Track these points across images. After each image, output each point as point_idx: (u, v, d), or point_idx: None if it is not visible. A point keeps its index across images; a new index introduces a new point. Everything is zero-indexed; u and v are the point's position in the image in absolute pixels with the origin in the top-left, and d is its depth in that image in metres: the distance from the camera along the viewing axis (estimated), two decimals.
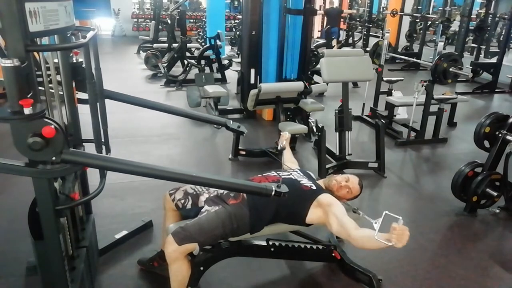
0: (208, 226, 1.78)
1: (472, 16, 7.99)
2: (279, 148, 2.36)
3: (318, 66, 4.94)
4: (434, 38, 9.50)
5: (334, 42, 9.39)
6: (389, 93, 5.02)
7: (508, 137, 2.79)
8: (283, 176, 2.00)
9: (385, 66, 5.27)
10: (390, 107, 4.75)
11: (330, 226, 1.78)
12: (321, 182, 2.10)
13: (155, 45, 8.53)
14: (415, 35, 10.02)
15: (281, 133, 2.46)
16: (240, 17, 10.62)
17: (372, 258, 2.35)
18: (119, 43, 11.80)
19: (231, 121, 2.30)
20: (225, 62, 7.25)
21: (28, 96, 1.18)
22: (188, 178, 1.52)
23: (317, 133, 3.44)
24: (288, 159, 2.36)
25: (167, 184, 1.76)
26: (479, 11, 8.70)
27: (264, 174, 2.08)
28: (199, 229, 1.75)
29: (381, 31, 11.17)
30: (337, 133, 3.57)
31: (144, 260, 2.21)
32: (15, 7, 1.10)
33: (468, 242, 2.64)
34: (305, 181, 1.97)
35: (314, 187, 1.94)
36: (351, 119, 3.55)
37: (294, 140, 4.02)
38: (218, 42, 6.81)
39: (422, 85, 4.20)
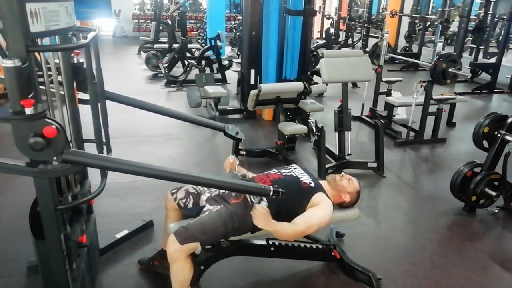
0: (210, 225, 1.79)
1: (471, 17, 7.99)
2: (232, 177, 2.05)
3: (318, 66, 4.95)
4: (433, 38, 9.49)
5: None
6: (388, 93, 5.03)
7: (507, 137, 2.80)
8: (284, 173, 2.02)
9: (384, 67, 5.28)
10: (389, 107, 4.75)
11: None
12: (322, 182, 2.09)
13: (155, 45, 8.55)
14: (414, 35, 10.03)
15: (228, 159, 2.11)
16: (240, 18, 10.63)
17: (372, 258, 2.35)
18: (120, 43, 11.80)
19: (230, 126, 2.19)
20: (225, 62, 7.26)
21: (29, 96, 1.19)
22: (188, 178, 1.53)
23: (316, 133, 3.45)
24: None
25: (168, 184, 1.76)
26: (478, 11, 8.70)
27: (265, 173, 2.09)
28: (201, 229, 1.76)
29: (380, 32, 11.16)
30: (337, 133, 3.58)
31: (145, 260, 2.22)
32: (16, 7, 1.11)
33: (467, 241, 2.65)
34: (304, 178, 1.98)
35: (312, 184, 1.95)
36: (351, 119, 3.56)
37: (294, 140, 4.03)
38: (219, 43, 6.82)
39: (421, 86, 4.20)
